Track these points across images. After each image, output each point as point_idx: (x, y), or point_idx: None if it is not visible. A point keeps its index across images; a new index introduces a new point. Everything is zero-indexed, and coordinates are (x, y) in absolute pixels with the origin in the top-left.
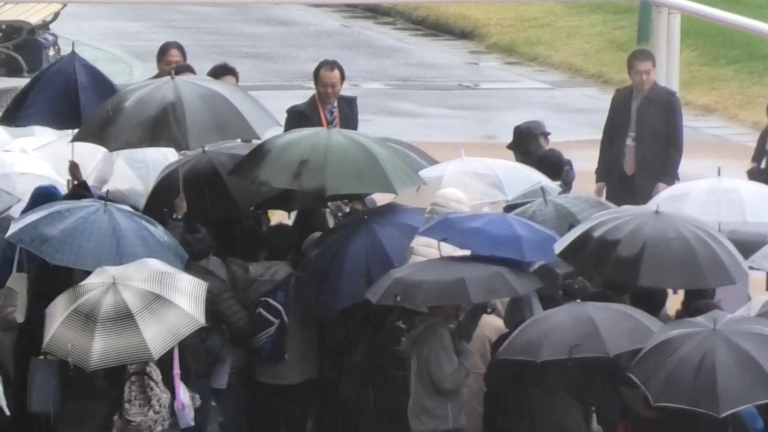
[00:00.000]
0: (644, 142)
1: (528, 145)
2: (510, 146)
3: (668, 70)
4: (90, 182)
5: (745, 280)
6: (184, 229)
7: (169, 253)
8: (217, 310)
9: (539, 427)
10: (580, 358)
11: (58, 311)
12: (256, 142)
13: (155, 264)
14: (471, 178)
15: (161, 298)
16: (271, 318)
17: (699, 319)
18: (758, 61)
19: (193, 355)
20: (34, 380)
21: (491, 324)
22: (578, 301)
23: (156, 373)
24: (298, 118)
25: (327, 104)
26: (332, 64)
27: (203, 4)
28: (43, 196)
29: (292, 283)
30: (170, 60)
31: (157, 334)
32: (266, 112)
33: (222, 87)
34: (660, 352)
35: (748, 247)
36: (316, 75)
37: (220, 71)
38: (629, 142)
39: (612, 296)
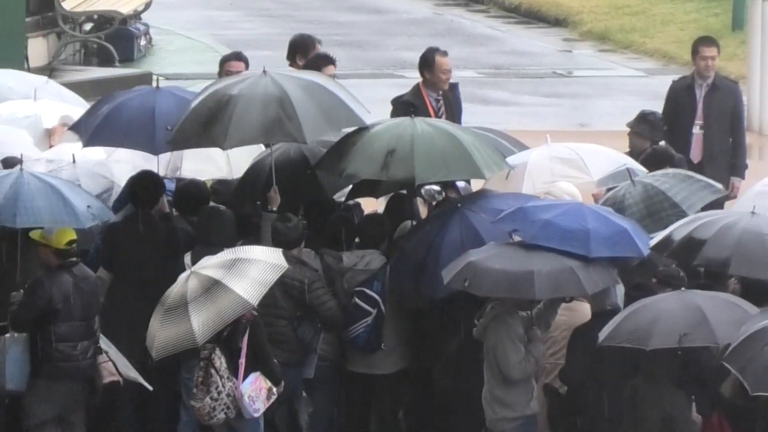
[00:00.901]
0: (712, 129)
1: (658, 134)
2: (638, 130)
3: (762, 57)
4: (162, 172)
5: None
6: (276, 219)
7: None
8: (309, 300)
9: (646, 415)
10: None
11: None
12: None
13: (243, 252)
14: (555, 163)
15: (219, 284)
16: (367, 308)
17: None
18: None
19: (285, 345)
20: (7, 358)
21: (586, 312)
22: (683, 289)
23: (220, 361)
24: (404, 108)
25: (433, 92)
26: (444, 50)
27: None
28: None
29: (388, 272)
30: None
31: (206, 320)
32: (357, 100)
33: (316, 77)
34: (756, 341)
35: None
36: (431, 62)
37: (322, 61)
38: (696, 130)
39: (714, 286)
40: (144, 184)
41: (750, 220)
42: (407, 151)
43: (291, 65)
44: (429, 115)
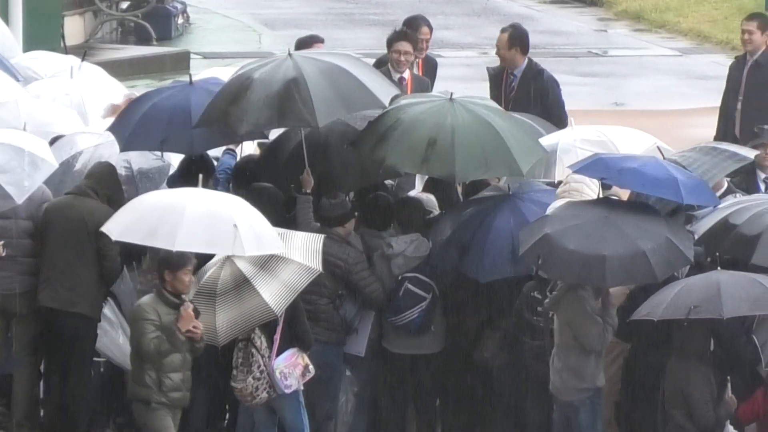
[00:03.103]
0: (750, 105)
1: None
2: None
3: None
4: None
5: None
6: (326, 195)
7: None
8: (352, 280)
9: (667, 389)
10: (708, 323)
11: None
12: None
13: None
14: (585, 146)
15: (275, 257)
16: (422, 293)
17: None
18: None
19: (326, 323)
20: None
21: None
22: (718, 268)
23: (260, 341)
24: (490, 80)
25: (509, 72)
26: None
27: None
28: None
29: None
30: (422, 38)
31: (276, 291)
32: (386, 80)
33: (340, 59)
34: None
35: None
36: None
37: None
38: (738, 106)
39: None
40: (193, 167)
41: None
42: (448, 146)
43: None
44: (501, 90)
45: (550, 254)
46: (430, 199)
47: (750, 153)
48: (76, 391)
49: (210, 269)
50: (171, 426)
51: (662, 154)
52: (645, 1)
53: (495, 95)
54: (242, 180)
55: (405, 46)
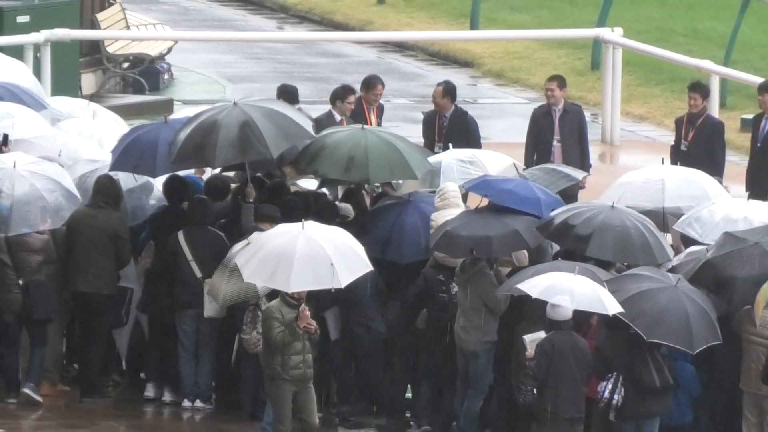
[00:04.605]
0: (566, 142)
1: None
2: None
3: (613, 89)
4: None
5: None
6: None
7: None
8: None
9: (519, 347)
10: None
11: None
12: None
13: None
14: (462, 163)
15: None
16: None
17: (658, 275)
18: (678, 83)
19: None
20: None
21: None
22: (559, 258)
23: (264, 306)
24: (425, 121)
25: (441, 114)
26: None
27: (277, 41)
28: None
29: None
30: (377, 93)
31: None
32: (305, 116)
33: (274, 104)
34: (643, 299)
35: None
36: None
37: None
38: (555, 143)
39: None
40: (172, 186)
41: (608, 213)
42: (363, 159)
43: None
44: (434, 128)
45: (479, 244)
46: (348, 207)
47: (579, 174)
48: (96, 347)
49: (236, 248)
50: (290, 397)
51: (517, 170)
52: (504, 64)
53: (428, 133)
54: (215, 192)
55: (353, 99)
